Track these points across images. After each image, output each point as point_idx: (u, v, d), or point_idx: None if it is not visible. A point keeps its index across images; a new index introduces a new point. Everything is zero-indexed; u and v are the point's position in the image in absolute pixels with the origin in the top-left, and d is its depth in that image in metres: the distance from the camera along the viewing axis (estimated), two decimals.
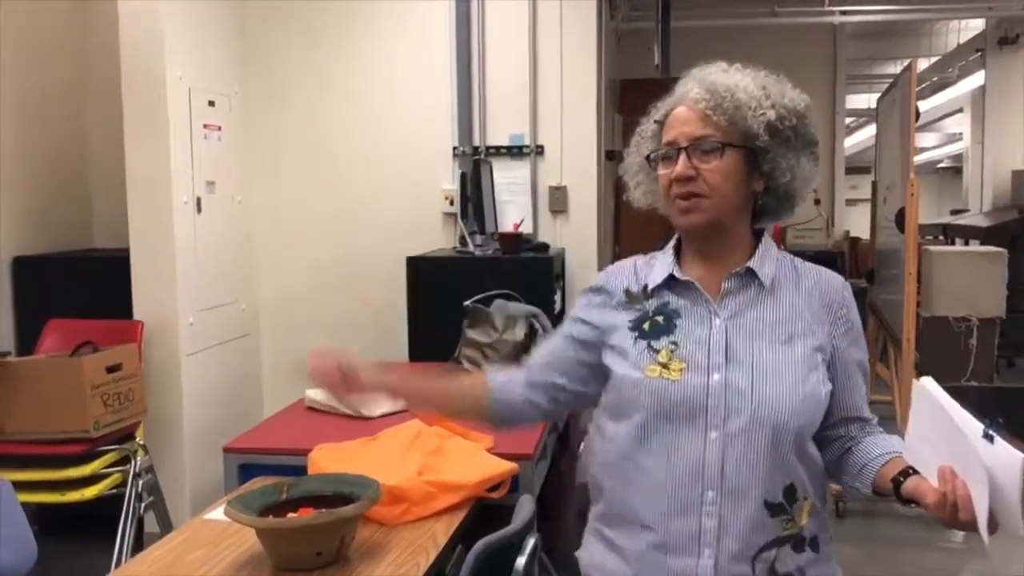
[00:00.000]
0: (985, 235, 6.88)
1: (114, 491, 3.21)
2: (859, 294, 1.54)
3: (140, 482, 3.27)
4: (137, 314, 3.66)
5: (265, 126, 4.28)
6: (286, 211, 4.32)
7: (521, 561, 1.77)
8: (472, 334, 3.38)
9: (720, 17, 6.58)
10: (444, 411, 1.71)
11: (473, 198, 3.91)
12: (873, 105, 6.90)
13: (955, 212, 9.34)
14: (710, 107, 1.39)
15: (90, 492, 3.14)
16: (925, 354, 4.60)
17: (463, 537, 1.96)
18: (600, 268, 4.22)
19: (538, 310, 3.46)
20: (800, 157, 1.43)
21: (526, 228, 4.08)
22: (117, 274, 3.69)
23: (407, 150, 4.21)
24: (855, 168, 10.66)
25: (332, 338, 4.19)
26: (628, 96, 6.09)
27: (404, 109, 4.21)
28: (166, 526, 3.39)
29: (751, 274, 1.45)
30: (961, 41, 8.71)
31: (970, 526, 1.18)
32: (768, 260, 1.47)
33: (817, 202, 6.98)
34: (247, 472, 2.36)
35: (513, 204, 4.17)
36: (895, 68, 8.80)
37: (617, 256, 5.81)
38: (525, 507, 1.90)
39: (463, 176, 4.03)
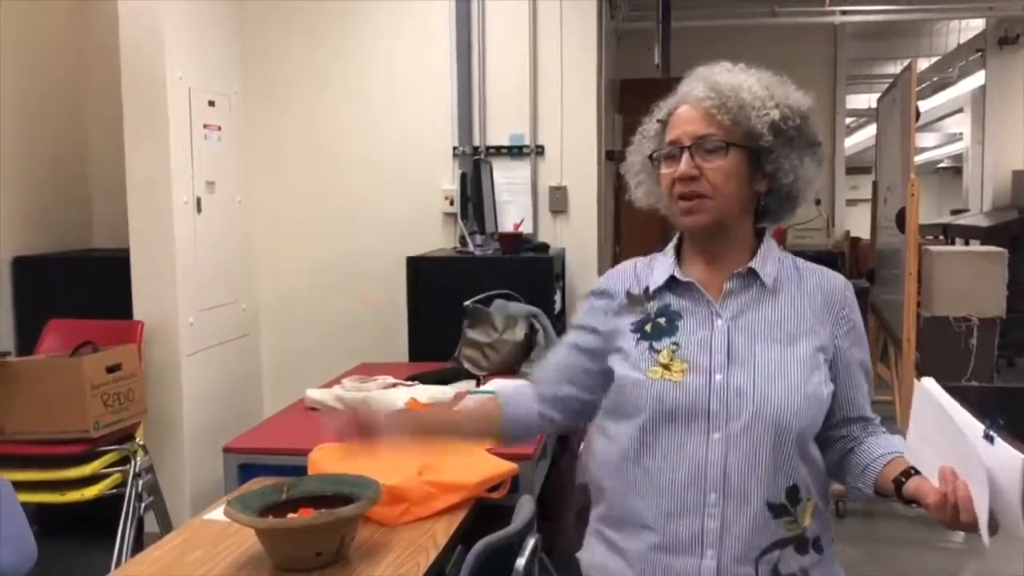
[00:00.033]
0: (985, 235, 6.88)
1: (114, 491, 3.21)
2: (860, 294, 1.53)
3: (140, 482, 3.27)
4: (137, 314, 3.66)
5: (265, 126, 4.28)
6: (286, 211, 4.32)
7: (521, 561, 1.77)
8: (472, 334, 3.38)
9: (720, 17, 6.58)
10: (459, 437, 1.70)
11: (473, 198, 3.91)
12: (873, 105, 6.90)
13: (955, 212, 9.34)
14: (714, 106, 1.39)
15: (90, 492, 3.14)
16: (925, 354, 4.60)
17: (463, 537, 1.96)
18: (600, 268, 4.27)
19: (538, 310, 3.46)
20: (803, 158, 1.43)
21: (526, 228, 4.08)
22: (117, 274, 3.69)
23: (407, 150, 4.21)
24: (855, 168, 10.67)
25: (332, 338, 4.20)
26: (628, 96, 6.09)
27: (404, 109, 4.21)
28: (166, 526, 3.39)
29: (753, 274, 1.45)
30: (961, 41, 8.71)
31: (971, 527, 1.18)
32: (770, 260, 1.46)
33: (817, 202, 6.98)
34: (247, 472, 2.36)
35: (513, 204, 4.17)
36: (895, 68, 8.80)
37: (617, 256, 5.82)
38: (525, 507, 1.90)
39: (463, 176, 4.03)
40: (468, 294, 3.49)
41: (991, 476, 1.14)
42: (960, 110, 10.33)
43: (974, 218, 8.17)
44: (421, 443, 1.74)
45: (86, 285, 3.84)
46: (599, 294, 1.55)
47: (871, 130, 9.10)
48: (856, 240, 7.36)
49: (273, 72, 4.27)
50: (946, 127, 12.31)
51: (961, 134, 10.90)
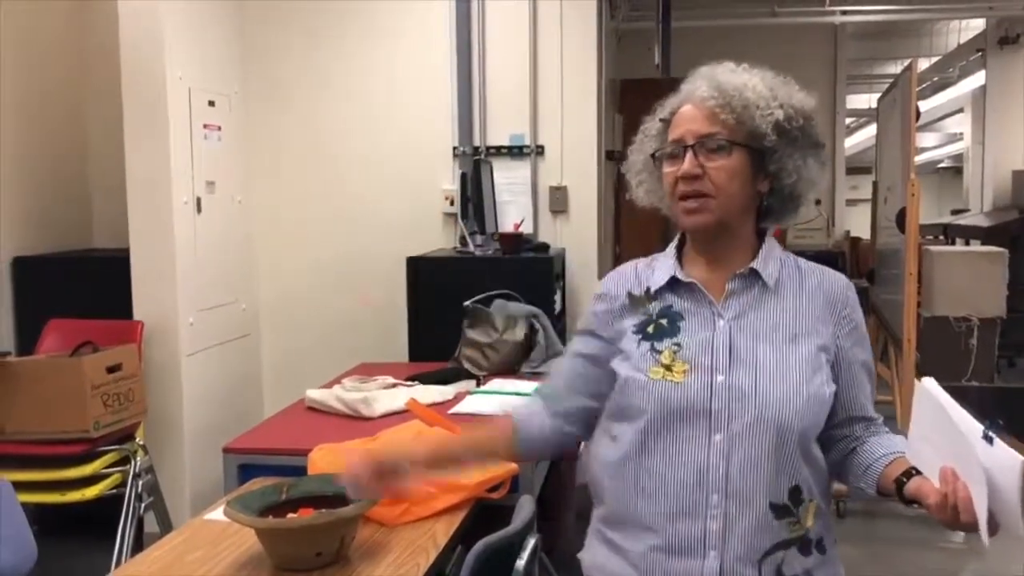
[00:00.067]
0: (986, 235, 6.88)
1: (114, 491, 3.21)
2: (860, 294, 1.53)
3: (140, 482, 3.27)
4: (137, 314, 3.66)
5: (265, 126, 4.28)
6: (286, 211, 4.32)
7: (521, 561, 1.77)
8: (472, 334, 3.38)
9: (720, 17, 6.58)
10: (477, 462, 1.68)
11: (473, 198, 3.91)
12: (873, 105, 6.90)
13: (955, 212, 9.34)
14: (718, 105, 1.39)
15: (90, 492, 3.14)
16: (926, 354, 4.60)
17: (463, 537, 1.96)
18: (600, 268, 4.27)
19: (538, 310, 3.45)
20: (807, 158, 1.43)
21: (526, 228, 4.08)
22: (117, 274, 3.69)
23: (407, 150, 4.21)
24: (856, 168, 10.67)
25: (332, 338, 4.20)
26: (628, 96, 6.09)
27: (404, 109, 4.21)
28: (166, 526, 3.39)
29: (755, 275, 1.44)
30: (961, 41, 8.71)
31: (971, 527, 1.18)
32: (771, 261, 1.46)
33: (818, 202, 6.99)
34: (247, 472, 2.35)
35: (513, 204, 4.16)
36: (895, 68, 8.80)
37: (617, 256, 5.82)
38: (525, 507, 1.90)
39: (463, 176, 4.03)
40: (468, 294, 3.49)
41: (990, 477, 1.14)
42: (960, 110, 10.33)
43: (974, 218, 8.17)
44: (441, 474, 1.71)
45: (86, 285, 3.84)
46: (599, 298, 1.54)
47: (871, 130, 9.10)
48: (856, 240, 7.36)
49: (273, 72, 4.27)
50: (946, 127, 12.31)
51: (961, 134, 10.90)
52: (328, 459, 2.18)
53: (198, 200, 3.82)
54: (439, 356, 3.45)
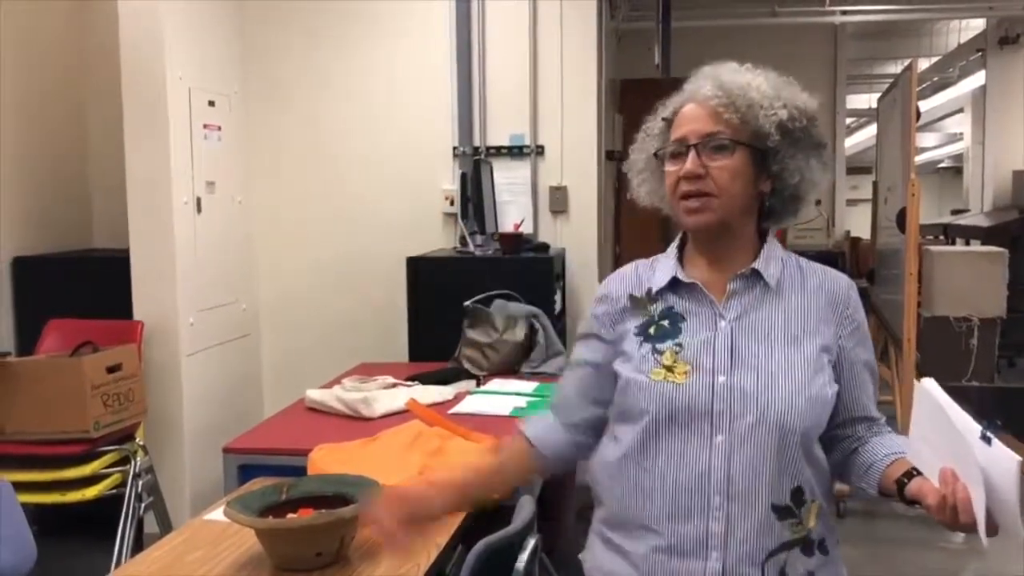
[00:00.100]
0: (986, 235, 6.88)
1: (114, 491, 3.21)
2: (860, 294, 1.53)
3: (140, 482, 3.27)
4: (137, 314, 3.66)
5: (265, 126, 4.28)
6: (286, 211, 4.32)
7: (521, 561, 1.77)
8: (472, 334, 3.38)
9: (720, 17, 6.58)
10: (500, 488, 1.64)
11: (473, 198, 3.91)
12: (874, 105, 6.90)
13: (956, 212, 9.34)
14: (722, 104, 1.38)
15: (90, 492, 3.14)
16: (926, 354, 4.60)
17: (463, 537, 1.96)
18: (600, 268, 4.27)
19: (538, 310, 3.46)
20: (809, 159, 1.42)
21: (526, 228, 4.08)
22: (117, 274, 3.69)
23: (407, 150, 4.21)
24: (856, 168, 10.68)
25: (332, 338, 4.20)
26: (628, 96, 6.09)
27: (404, 109, 4.21)
28: (166, 526, 3.39)
29: (756, 275, 1.44)
30: (962, 41, 8.71)
31: (970, 528, 1.18)
32: (773, 261, 1.45)
33: (818, 202, 6.98)
34: (247, 472, 2.35)
35: (513, 204, 4.16)
36: (895, 68, 8.80)
37: (617, 256, 5.82)
38: (525, 507, 1.90)
39: (463, 176, 4.03)
40: (468, 294, 3.49)
41: (988, 477, 1.14)
42: (960, 110, 10.34)
43: (974, 218, 8.17)
44: (466, 507, 1.67)
45: (86, 285, 3.84)
46: (600, 300, 1.54)
47: (871, 130, 9.11)
48: (856, 240, 7.36)
49: (273, 72, 4.27)
50: (946, 127, 12.31)
51: (961, 134, 10.90)
52: (328, 459, 2.18)
53: (198, 200, 3.82)
54: (439, 356, 3.46)
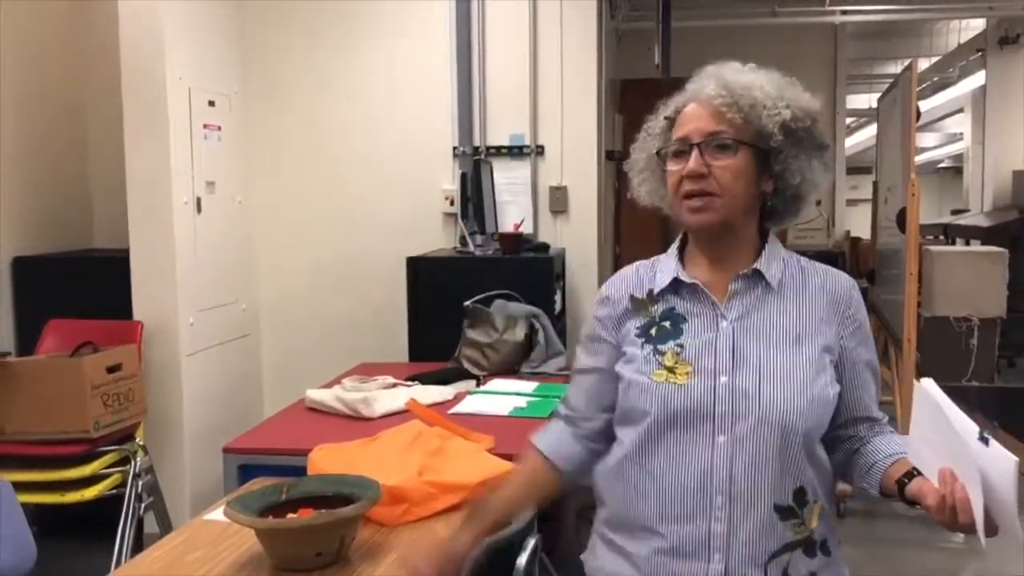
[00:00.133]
0: (986, 235, 6.88)
1: (114, 492, 3.21)
2: (861, 294, 1.53)
3: (140, 483, 3.27)
4: (137, 314, 3.66)
5: (265, 126, 4.28)
6: (286, 211, 4.32)
7: (522, 561, 1.77)
8: (472, 334, 3.38)
9: (720, 17, 6.58)
10: (523, 507, 1.61)
11: (473, 198, 3.91)
12: (874, 105, 6.90)
13: (956, 212, 9.34)
14: (725, 104, 1.38)
15: (90, 493, 3.14)
16: (926, 354, 4.60)
17: None
18: (600, 268, 4.26)
19: (538, 310, 3.45)
20: (812, 160, 1.42)
21: (526, 228, 4.08)
22: (117, 274, 3.69)
23: (407, 150, 4.21)
24: (856, 168, 10.68)
25: (332, 338, 4.20)
26: (628, 96, 6.09)
27: (404, 109, 4.21)
28: (166, 527, 3.39)
29: (758, 275, 1.43)
30: (962, 41, 8.71)
31: (969, 528, 1.18)
32: (775, 261, 1.45)
33: (818, 203, 6.98)
34: (247, 472, 2.35)
35: (513, 204, 4.16)
36: (895, 68, 8.80)
37: (617, 256, 5.81)
38: None
39: (463, 176, 4.03)
40: (468, 294, 3.49)
41: (986, 478, 1.15)
42: (960, 110, 10.34)
43: (974, 218, 8.18)
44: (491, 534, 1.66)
45: (86, 285, 3.84)
46: (601, 302, 1.53)
47: (871, 130, 9.11)
48: (856, 240, 7.36)
49: (273, 72, 4.27)
50: (946, 127, 12.31)
51: (961, 134, 10.90)
52: (328, 459, 2.18)
53: (198, 200, 3.82)
54: (439, 356, 3.45)
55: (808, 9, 6.72)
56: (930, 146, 13.66)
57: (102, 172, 4.27)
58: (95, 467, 3.16)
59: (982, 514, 1.16)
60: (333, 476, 1.96)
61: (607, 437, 1.52)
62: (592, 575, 1.53)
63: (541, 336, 3.38)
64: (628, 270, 1.55)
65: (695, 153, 1.39)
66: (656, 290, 1.48)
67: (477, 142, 4.17)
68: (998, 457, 1.13)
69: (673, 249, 1.51)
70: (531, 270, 3.74)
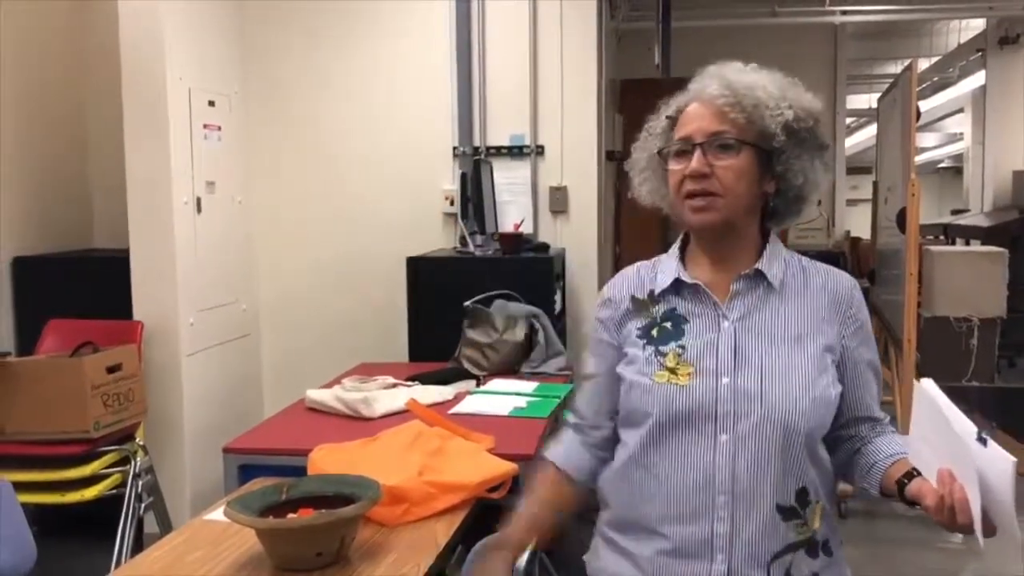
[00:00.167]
0: (986, 235, 6.88)
1: (114, 492, 3.21)
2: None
3: (140, 483, 3.27)
4: (137, 314, 3.66)
5: (265, 126, 4.28)
6: (286, 211, 4.32)
7: (522, 561, 1.76)
8: (472, 334, 3.38)
9: (720, 17, 6.58)
10: (548, 525, 1.62)
11: (473, 198, 3.91)
12: (874, 105, 6.90)
13: (956, 212, 9.34)
14: (728, 104, 1.38)
15: (90, 493, 3.14)
16: (926, 354, 4.60)
17: (464, 537, 1.96)
18: (600, 268, 4.26)
19: (538, 310, 3.45)
20: (814, 160, 1.42)
21: (526, 228, 4.08)
22: (117, 274, 3.69)
23: (407, 150, 4.21)
24: (856, 168, 10.68)
25: (332, 338, 4.20)
26: (628, 96, 6.09)
27: (404, 109, 4.21)
28: (166, 527, 3.39)
29: (759, 275, 1.43)
30: (962, 41, 8.71)
31: (967, 529, 1.18)
32: (776, 261, 1.45)
33: (818, 203, 6.98)
34: (247, 473, 2.35)
35: (513, 204, 4.16)
36: (895, 68, 8.80)
37: (618, 256, 5.81)
38: None
39: (463, 176, 4.03)
40: (468, 294, 3.49)
41: (984, 478, 1.15)
42: (960, 110, 10.34)
43: (974, 218, 8.18)
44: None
45: (86, 285, 3.84)
46: (604, 303, 1.53)
47: (871, 130, 9.11)
48: (856, 240, 7.36)
49: (273, 72, 4.27)
50: (946, 127, 12.31)
51: (961, 134, 10.91)
52: (328, 459, 2.18)
53: (198, 200, 3.82)
54: (439, 356, 3.45)
55: (808, 9, 6.72)
56: (930, 146, 13.67)
57: (102, 172, 4.27)
58: (95, 467, 3.16)
59: (979, 514, 1.16)
60: (333, 476, 1.96)
61: (615, 445, 1.52)
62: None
63: (541, 336, 3.38)
64: (629, 271, 1.55)
65: (698, 153, 1.38)
66: (657, 291, 1.48)
67: (477, 142, 4.16)
68: (996, 457, 1.14)
69: (674, 249, 1.51)
70: (531, 270, 3.73)
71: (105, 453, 3.20)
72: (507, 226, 4.06)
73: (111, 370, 3.21)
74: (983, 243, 6.66)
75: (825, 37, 7.80)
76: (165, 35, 3.63)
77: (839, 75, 7.92)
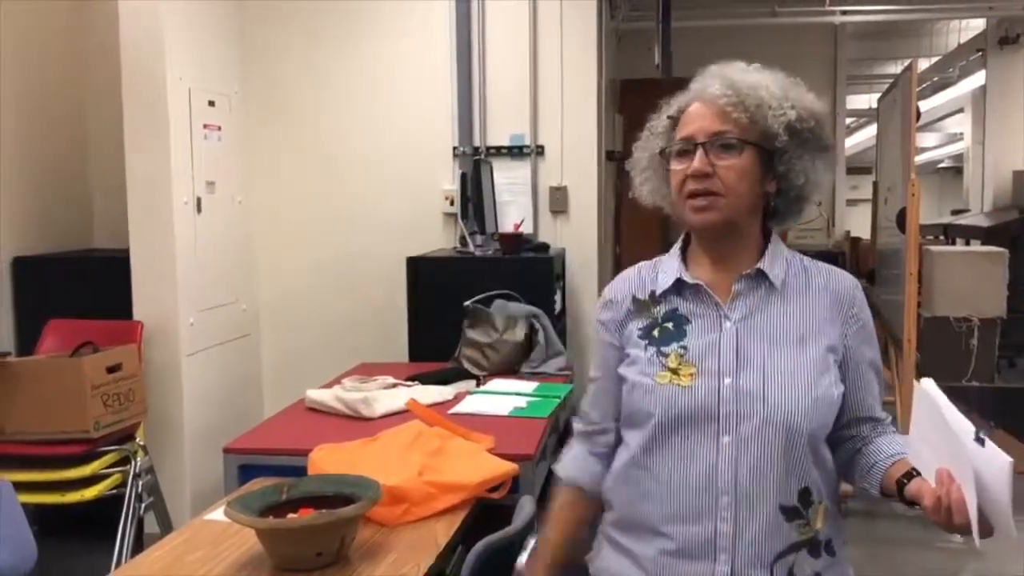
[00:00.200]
0: (986, 235, 6.89)
1: (114, 492, 3.21)
2: None
3: (140, 483, 3.27)
4: (137, 314, 3.66)
5: (265, 126, 4.28)
6: (286, 211, 4.32)
7: (521, 561, 1.77)
8: (472, 334, 3.38)
9: (720, 17, 6.58)
10: (579, 532, 1.63)
11: (473, 198, 3.91)
12: (874, 105, 6.91)
13: (956, 212, 9.35)
14: (731, 104, 1.37)
15: (90, 493, 3.14)
16: (926, 354, 4.60)
17: (464, 537, 1.96)
18: (600, 268, 4.27)
19: (538, 310, 3.45)
20: (815, 160, 1.42)
21: (526, 228, 4.08)
22: (117, 274, 3.68)
23: (407, 150, 4.21)
24: (856, 168, 10.68)
25: (332, 338, 4.20)
26: (628, 96, 6.08)
27: (404, 109, 4.21)
28: (166, 527, 3.39)
29: (761, 275, 1.43)
30: (962, 41, 8.71)
31: (964, 529, 1.18)
32: (778, 261, 1.45)
33: (819, 203, 6.97)
34: (247, 473, 2.35)
35: (513, 204, 4.16)
36: (895, 68, 8.80)
37: (618, 256, 5.81)
38: (526, 507, 1.90)
39: (463, 176, 4.03)
40: (468, 294, 3.49)
41: (981, 478, 1.15)
42: (960, 110, 10.34)
43: (975, 218, 8.18)
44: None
45: (86, 285, 3.84)
46: (606, 305, 1.53)
47: (871, 130, 9.11)
48: (856, 240, 7.36)
49: (273, 72, 4.27)
50: (946, 127, 12.32)
51: (961, 134, 10.91)
52: (328, 459, 2.18)
53: (198, 200, 3.81)
54: (439, 356, 3.45)
55: (808, 9, 6.72)
56: (930, 146, 13.67)
57: (102, 172, 4.27)
58: (95, 467, 3.16)
59: (976, 515, 1.16)
60: (333, 476, 1.96)
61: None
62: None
63: (541, 336, 3.38)
64: (630, 271, 1.54)
65: (700, 152, 1.38)
66: (658, 291, 1.47)
67: (477, 142, 4.16)
68: (993, 457, 1.14)
69: (675, 249, 1.51)
70: (531, 270, 3.73)
71: (105, 453, 3.20)
72: (507, 226, 4.06)
73: (111, 370, 3.21)
74: (983, 243, 6.66)
75: (825, 37, 7.80)
76: (165, 35, 3.63)
77: (839, 75, 7.92)
